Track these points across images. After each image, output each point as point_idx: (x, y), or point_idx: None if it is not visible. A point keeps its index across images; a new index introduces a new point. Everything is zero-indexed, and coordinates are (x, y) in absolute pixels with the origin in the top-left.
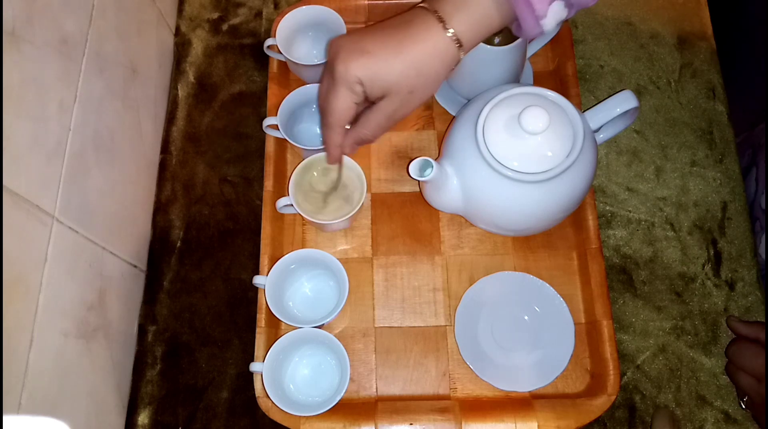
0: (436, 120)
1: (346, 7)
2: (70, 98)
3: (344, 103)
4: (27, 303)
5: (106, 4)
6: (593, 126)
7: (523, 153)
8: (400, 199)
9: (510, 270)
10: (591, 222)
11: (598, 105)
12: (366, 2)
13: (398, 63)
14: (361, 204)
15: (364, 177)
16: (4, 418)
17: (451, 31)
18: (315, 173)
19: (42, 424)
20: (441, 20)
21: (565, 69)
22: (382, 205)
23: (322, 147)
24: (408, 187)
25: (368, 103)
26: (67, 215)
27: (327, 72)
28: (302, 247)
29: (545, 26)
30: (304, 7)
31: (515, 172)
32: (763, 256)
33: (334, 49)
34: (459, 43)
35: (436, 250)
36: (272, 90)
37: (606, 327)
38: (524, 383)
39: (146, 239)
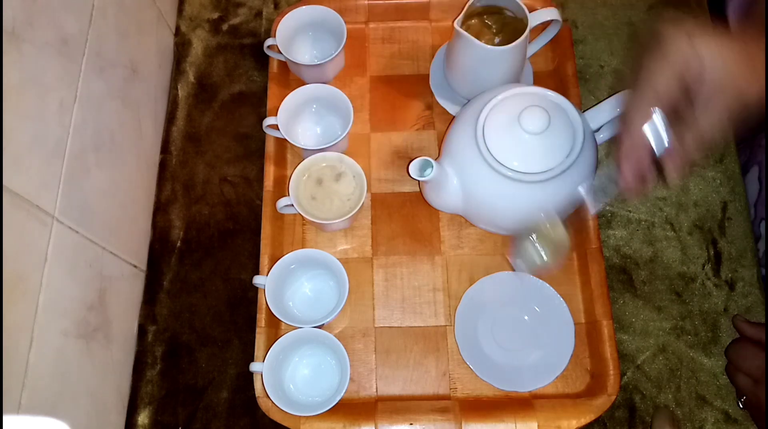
0: (436, 120)
1: (346, 7)
2: (70, 98)
3: (669, 80)
4: (27, 303)
5: (106, 4)
6: (593, 126)
7: (523, 153)
8: (400, 199)
9: (510, 270)
10: (591, 222)
11: (598, 105)
12: (366, 2)
13: (744, 47)
14: (361, 204)
15: (364, 177)
16: (4, 418)
17: None
18: (311, 174)
19: (42, 424)
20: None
21: (565, 69)
22: (382, 205)
23: (322, 147)
24: (408, 187)
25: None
26: (67, 215)
27: (652, 50)
28: (302, 247)
29: None
30: (304, 7)
31: (515, 172)
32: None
33: (668, 28)
34: None
35: (436, 250)
36: (272, 90)
37: (606, 327)
38: (524, 383)
39: (146, 239)
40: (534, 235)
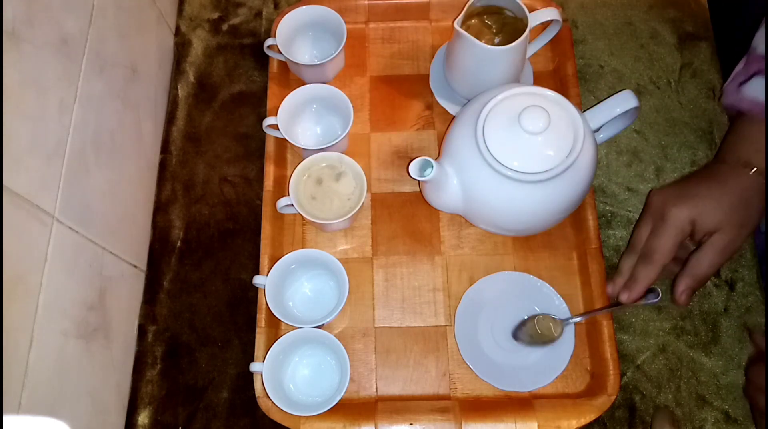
0: (436, 120)
1: (346, 7)
2: (70, 98)
3: (672, 242)
4: (27, 303)
5: (106, 4)
6: (593, 126)
7: (523, 153)
8: (400, 199)
9: (510, 270)
10: (591, 222)
11: (598, 105)
12: (366, 2)
13: (726, 199)
14: (361, 204)
15: (364, 177)
16: (4, 418)
17: (755, 169)
18: (310, 175)
19: (42, 424)
20: (746, 165)
21: (565, 69)
22: (382, 205)
23: (322, 146)
24: (408, 187)
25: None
26: (67, 215)
27: (652, 217)
28: (302, 247)
29: None
30: (304, 7)
31: (515, 172)
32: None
33: (661, 198)
34: (764, 176)
35: (436, 250)
36: (272, 90)
37: (606, 327)
38: (524, 383)
39: (146, 239)
40: (534, 326)
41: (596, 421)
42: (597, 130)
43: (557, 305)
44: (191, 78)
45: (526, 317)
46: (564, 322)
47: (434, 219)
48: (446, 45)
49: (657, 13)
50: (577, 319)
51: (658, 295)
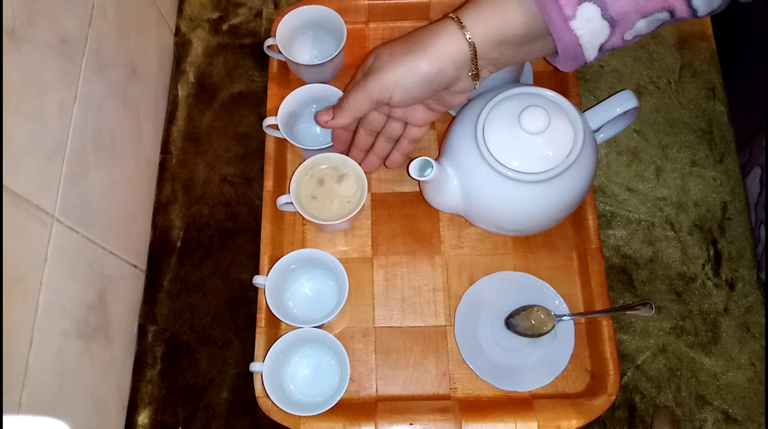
0: (436, 120)
1: (346, 7)
2: (70, 98)
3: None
4: (27, 303)
5: (106, 4)
6: (593, 126)
7: (523, 153)
8: (400, 199)
9: (510, 270)
10: (591, 222)
11: (598, 105)
12: (366, 2)
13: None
14: (361, 204)
15: (364, 177)
16: (4, 418)
17: (468, 34)
18: (316, 172)
19: (42, 424)
20: (461, 25)
21: None
22: (382, 205)
23: (322, 147)
24: (408, 187)
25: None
26: (67, 215)
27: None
28: (302, 247)
29: (577, 30)
30: (304, 7)
31: (515, 172)
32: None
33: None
34: (473, 47)
35: (436, 250)
36: (272, 90)
37: (606, 327)
38: (524, 383)
39: (146, 239)
40: (528, 316)
41: (596, 421)
42: (597, 130)
43: (557, 305)
44: (191, 78)
45: (522, 306)
46: (557, 318)
47: (434, 219)
48: None
49: None
50: (568, 318)
51: (653, 309)
